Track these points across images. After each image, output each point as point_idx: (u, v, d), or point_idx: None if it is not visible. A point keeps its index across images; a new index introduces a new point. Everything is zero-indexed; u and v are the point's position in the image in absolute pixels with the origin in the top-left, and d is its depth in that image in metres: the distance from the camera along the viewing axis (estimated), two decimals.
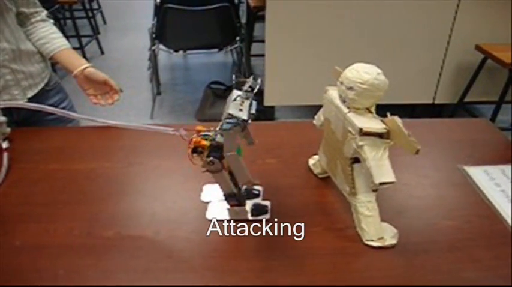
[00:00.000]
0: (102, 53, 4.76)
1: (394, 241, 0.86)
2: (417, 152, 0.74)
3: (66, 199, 1.00)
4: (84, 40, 4.41)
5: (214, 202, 0.98)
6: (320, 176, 1.06)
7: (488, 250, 0.86)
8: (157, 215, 0.95)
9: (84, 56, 4.28)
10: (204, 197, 1.00)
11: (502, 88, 2.75)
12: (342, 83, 0.83)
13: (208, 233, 0.90)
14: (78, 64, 1.37)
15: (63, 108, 1.52)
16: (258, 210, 0.94)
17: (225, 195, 0.90)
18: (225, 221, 0.93)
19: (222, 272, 0.82)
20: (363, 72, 0.79)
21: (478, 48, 2.86)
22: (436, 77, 3.07)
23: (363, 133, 0.79)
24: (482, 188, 1.03)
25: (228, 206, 0.92)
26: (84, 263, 0.83)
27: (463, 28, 2.86)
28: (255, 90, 0.83)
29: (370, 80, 0.79)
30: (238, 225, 0.92)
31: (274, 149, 1.17)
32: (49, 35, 1.38)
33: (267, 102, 3.04)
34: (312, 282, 0.80)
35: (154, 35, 3.32)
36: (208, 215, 0.95)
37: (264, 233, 0.90)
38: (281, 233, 0.90)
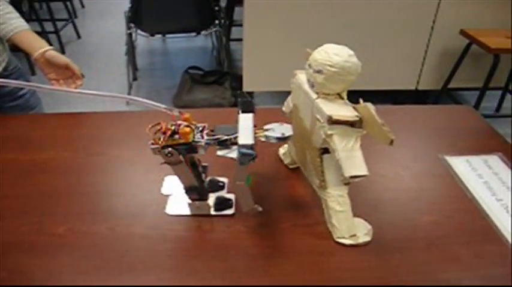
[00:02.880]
0: (79, 37, 4.63)
1: (367, 239, 0.80)
2: (391, 143, 0.68)
3: (16, 193, 0.93)
4: (60, 24, 4.28)
5: (175, 195, 0.91)
6: (291, 167, 0.99)
7: (469, 248, 0.81)
8: (113, 210, 0.89)
9: (60, 41, 4.17)
10: (165, 190, 0.93)
11: (486, 74, 2.70)
12: (310, 65, 0.76)
13: (166, 230, 0.84)
14: (39, 46, 1.29)
15: (24, 94, 1.44)
16: (221, 204, 0.88)
17: (185, 188, 0.83)
18: (186, 217, 0.87)
19: (180, 273, 0.76)
20: (332, 54, 0.72)
21: (462, 33, 2.81)
22: (419, 62, 3.02)
23: (333, 121, 0.72)
24: (464, 180, 0.97)
25: (189, 201, 0.85)
26: (31, 263, 0.77)
27: (448, 12, 2.80)
28: (283, 140, 0.78)
29: (341, 63, 0.71)
30: (200, 221, 0.86)
31: None
32: (5, 15, 1.28)
33: (246, 87, 2.97)
34: (277, 284, 0.74)
35: (129, 19, 3.22)
36: (168, 210, 0.88)
37: (227, 230, 0.84)
38: (246, 230, 0.84)
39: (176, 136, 0.74)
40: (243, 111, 0.80)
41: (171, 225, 0.85)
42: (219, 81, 3.25)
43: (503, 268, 0.77)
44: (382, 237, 0.82)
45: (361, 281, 0.74)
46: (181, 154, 0.75)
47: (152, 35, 3.51)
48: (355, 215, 0.81)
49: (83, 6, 5.64)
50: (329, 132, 0.73)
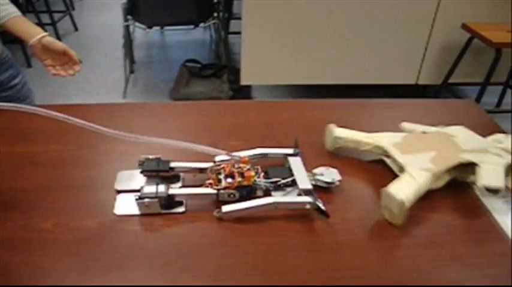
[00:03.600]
0: (76, 29, 4.60)
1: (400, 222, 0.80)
2: None
3: (2, 186, 0.90)
4: (57, 16, 4.24)
5: (123, 194, 0.88)
6: None
7: (472, 246, 0.78)
8: (103, 205, 0.85)
9: (56, 33, 4.13)
10: (117, 185, 0.91)
11: (488, 69, 2.68)
12: None
13: (157, 226, 0.81)
14: (34, 33, 1.27)
15: (15, 85, 1.40)
16: (169, 202, 0.84)
17: (165, 195, 0.82)
18: (179, 213, 0.84)
19: (171, 271, 0.72)
20: None
21: (464, 27, 2.78)
22: (420, 56, 2.99)
23: None
24: None
25: (137, 199, 0.82)
26: (15, 261, 0.73)
27: (449, 6, 2.78)
28: (334, 184, 0.87)
29: None
30: (192, 217, 0.83)
31: (238, 130, 1.08)
32: None
33: (244, 80, 2.96)
34: (270, 282, 0.71)
35: (127, 11, 3.19)
36: (117, 211, 0.84)
37: (219, 226, 0.81)
38: (239, 226, 0.81)
39: (239, 178, 0.82)
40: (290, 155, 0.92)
41: (162, 221, 0.82)
42: (217, 74, 3.23)
43: (506, 267, 0.74)
44: (382, 234, 0.79)
45: (359, 280, 0.71)
46: (241, 196, 0.82)
47: (150, 27, 3.48)
48: (355, 210, 0.80)
49: None
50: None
